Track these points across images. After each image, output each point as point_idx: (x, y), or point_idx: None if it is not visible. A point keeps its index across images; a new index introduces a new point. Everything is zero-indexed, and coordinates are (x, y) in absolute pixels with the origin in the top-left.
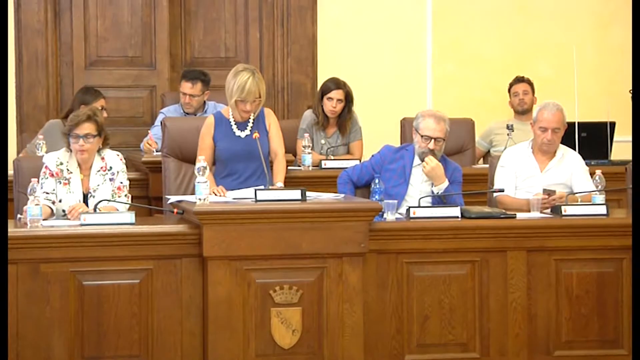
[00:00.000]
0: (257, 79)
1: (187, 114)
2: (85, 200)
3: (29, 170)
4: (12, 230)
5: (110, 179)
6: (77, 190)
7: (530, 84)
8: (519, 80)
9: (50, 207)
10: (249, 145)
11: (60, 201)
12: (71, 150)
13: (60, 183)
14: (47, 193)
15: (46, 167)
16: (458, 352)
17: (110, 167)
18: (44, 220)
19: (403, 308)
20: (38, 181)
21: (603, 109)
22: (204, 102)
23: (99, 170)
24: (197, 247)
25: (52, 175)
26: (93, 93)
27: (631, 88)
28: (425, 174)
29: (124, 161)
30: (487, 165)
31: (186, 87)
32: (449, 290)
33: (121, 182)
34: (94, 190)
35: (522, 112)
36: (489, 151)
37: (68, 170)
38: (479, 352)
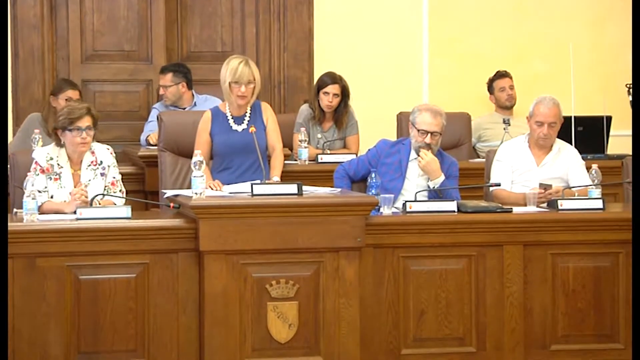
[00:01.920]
0: (250, 64)
1: (171, 107)
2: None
3: (24, 164)
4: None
5: (102, 174)
6: (68, 185)
7: (511, 77)
8: (503, 75)
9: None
10: (245, 139)
11: (52, 197)
12: (60, 146)
13: (50, 179)
14: (40, 192)
15: (36, 162)
16: (454, 346)
17: (101, 162)
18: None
19: (399, 302)
20: (31, 178)
21: (599, 103)
22: (192, 95)
23: (89, 165)
24: (194, 242)
25: (42, 171)
26: (62, 83)
27: (629, 82)
28: (421, 168)
29: (114, 155)
30: (482, 160)
31: (161, 78)
32: (446, 284)
33: (114, 177)
34: (86, 185)
35: (511, 106)
36: (474, 147)
37: (58, 164)
38: (475, 347)
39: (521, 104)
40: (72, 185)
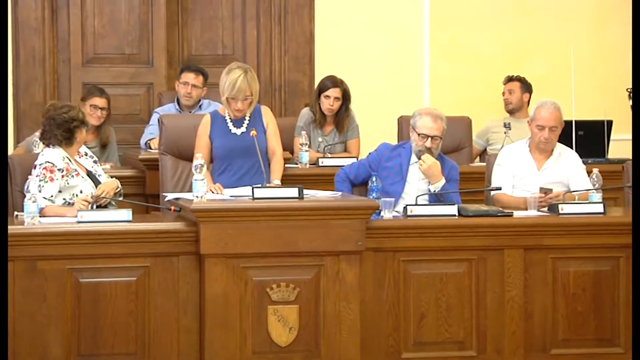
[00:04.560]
0: (249, 77)
1: (183, 109)
2: (95, 179)
3: (24, 168)
4: (9, 227)
5: (95, 162)
6: (86, 177)
7: (521, 82)
8: (508, 79)
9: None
10: (244, 142)
11: (81, 192)
12: (67, 145)
13: (72, 177)
14: (45, 199)
15: (49, 169)
16: (455, 350)
17: (86, 153)
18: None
19: (400, 306)
20: (37, 182)
21: (600, 107)
22: (199, 98)
23: (80, 157)
24: (194, 245)
25: (52, 179)
26: (89, 89)
27: (629, 87)
28: (422, 172)
29: None
30: (484, 164)
31: (189, 77)
32: (446, 288)
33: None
34: (96, 172)
35: (509, 111)
36: (485, 149)
37: (70, 161)
38: (476, 350)
39: None
40: (87, 178)
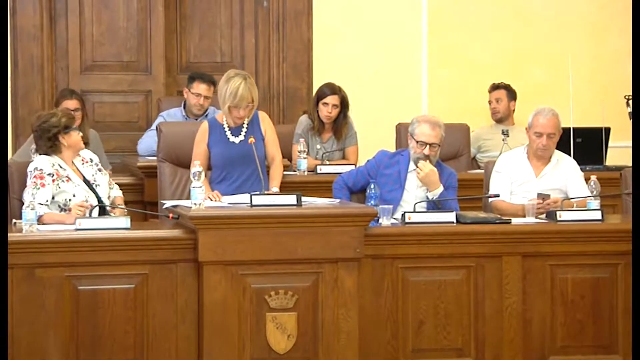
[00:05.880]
0: (249, 84)
1: (189, 116)
2: (91, 187)
3: (22, 175)
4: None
5: (99, 170)
6: (79, 182)
7: (507, 89)
8: (494, 87)
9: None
10: (243, 150)
11: (74, 196)
12: (55, 153)
13: (63, 182)
14: (42, 204)
15: (38, 176)
16: (453, 357)
17: (91, 159)
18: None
19: (398, 313)
20: (30, 190)
21: (598, 114)
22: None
23: (82, 163)
24: (193, 252)
25: (43, 185)
26: (61, 93)
27: (627, 94)
28: (420, 179)
29: None
30: (481, 171)
31: (202, 88)
32: (444, 295)
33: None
34: (94, 179)
35: (496, 120)
36: (474, 157)
37: (62, 167)
38: (474, 357)
39: (520, 115)
40: (81, 181)
